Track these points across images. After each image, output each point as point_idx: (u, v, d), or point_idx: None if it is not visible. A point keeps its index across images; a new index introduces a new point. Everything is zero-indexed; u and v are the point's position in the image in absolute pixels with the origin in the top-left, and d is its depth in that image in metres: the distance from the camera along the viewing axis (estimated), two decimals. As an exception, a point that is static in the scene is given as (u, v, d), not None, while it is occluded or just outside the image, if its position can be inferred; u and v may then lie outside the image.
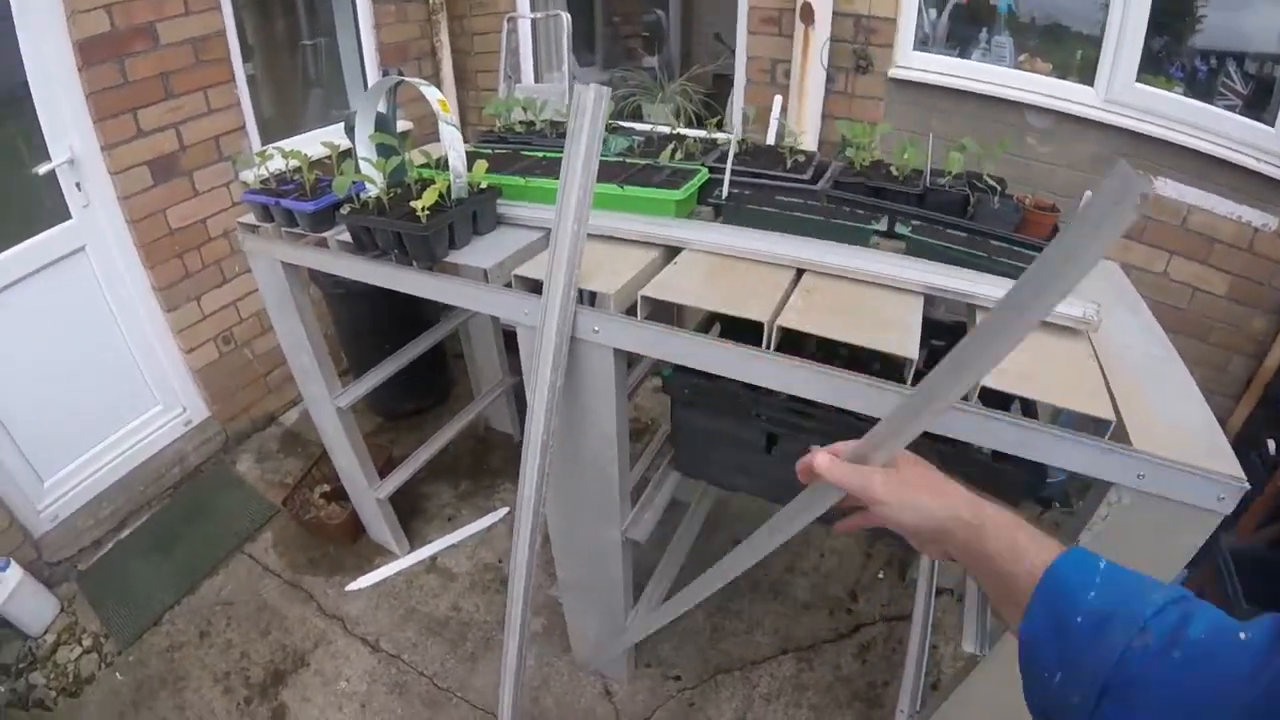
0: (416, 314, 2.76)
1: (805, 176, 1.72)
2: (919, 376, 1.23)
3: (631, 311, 1.40)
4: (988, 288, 1.41)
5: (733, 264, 1.47)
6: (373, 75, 3.26)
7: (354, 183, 1.63)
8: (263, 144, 2.91)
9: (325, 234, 1.74)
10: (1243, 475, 1.13)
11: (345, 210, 1.63)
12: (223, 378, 3.06)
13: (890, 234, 1.58)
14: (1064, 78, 2.75)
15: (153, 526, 2.79)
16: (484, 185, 1.66)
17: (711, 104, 3.18)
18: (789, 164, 1.79)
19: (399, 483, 2.48)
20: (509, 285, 1.51)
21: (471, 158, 1.90)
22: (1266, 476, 2.44)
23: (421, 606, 2.49)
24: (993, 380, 1.19)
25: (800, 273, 1.44)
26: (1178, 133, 2.61)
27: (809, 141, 2.81)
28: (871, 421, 1.36)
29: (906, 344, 1.25)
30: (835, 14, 2.66)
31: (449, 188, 1.59)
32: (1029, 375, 1.24)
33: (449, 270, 1.60)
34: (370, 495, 2.46)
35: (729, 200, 1.61)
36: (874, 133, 1.77)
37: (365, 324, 2.94)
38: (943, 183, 1.69)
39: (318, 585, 2.57)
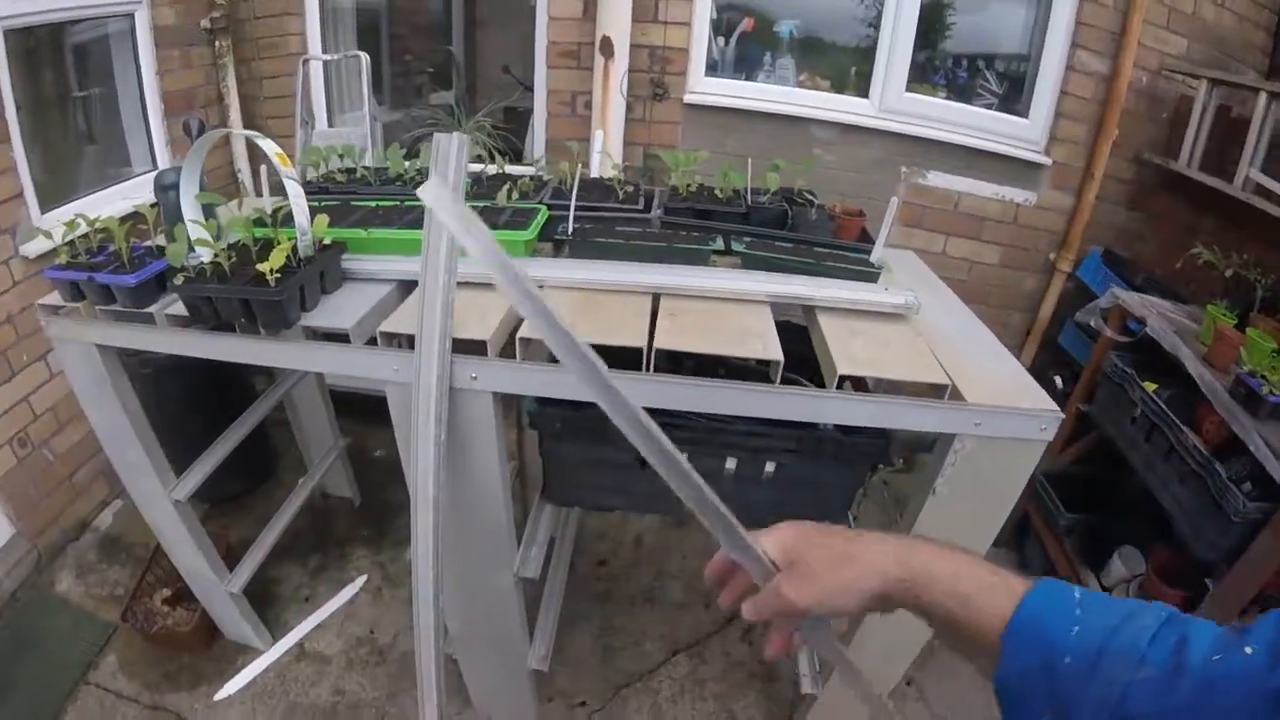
0: (237, 387, 2.66)
1: (638, 205, 1.91)
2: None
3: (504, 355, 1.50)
4: (822, 290, 1.66)
5: (593, 296, 1.61)
6: (158, 126, 3.08)
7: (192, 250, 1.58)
8: (43, 212, 2.68)
9: (150, 309, 1.64)
10: (1056, 408, 1.47)
11: (179, 280, 1.54)
12: (23, 486, 2.73)
13: (726, 251, 1.79)
14: (842, 92, 3.18)
15: None
16: (326, 241, 1.68)
17: (509, 138, 3.33)
18: (620, 195, 1.96)
19: (251, 571, 2.37)
20: (373, 342, 1.56)
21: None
22: (1060, 407, 2.96)
23: (302, 699, 2.39)
24: (849, 368, 1.44)
25: (657, 297, 1.62)
26: (945, 131, 3.11)
27: (610, 171, 3.02)
28: (732, 422, 1.57)
29: (770, 349, 1.46)
30: (632, 46, 2.89)
31: (294, 247, 1.58)
32: (876, 359, 1.51)
33: (300, 335, 1.59)
34: (222, 591, 2.33)
35: (574, 235, 1.75)
36: (695, 160, 1.99)
37: (180, 405, 2.76)
38: (763, 200, 1.95)
39: (183, 702, 2.38)
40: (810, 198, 1.96)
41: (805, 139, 3.12)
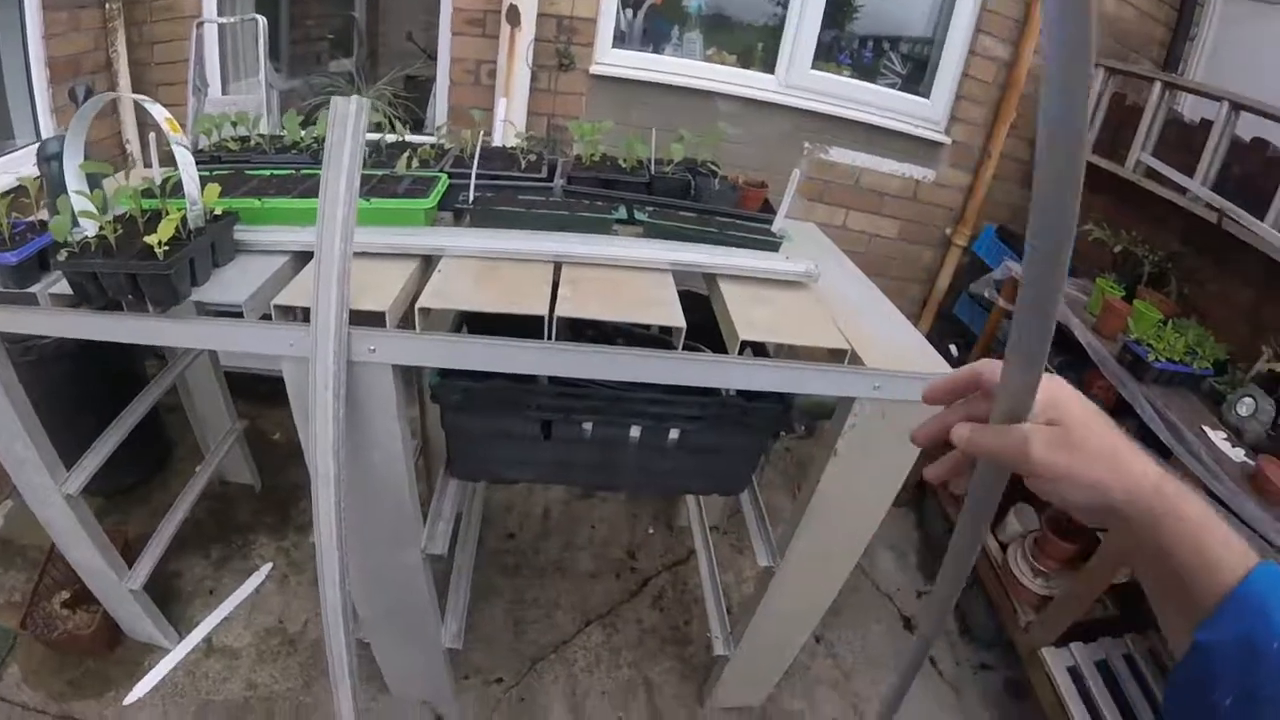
0: (128, 372, 2.55)
1: (541, 174, 1.91)
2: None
3: (404, 325, 1.48)
4: (724, 258, 1.70)
5: (495, 265, 1.60)
6: (42, 94, 2.89)
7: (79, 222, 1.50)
8: None
9: (33, 288, 1.54)
10: (952, 370, 1.53)
11: (62, 256, 1.45)
12: None
13: (629, 220, 1.81)
14: (748, 67, 3.23)
15: None
16: (218, 211, 1.62)
17: (411, 107, 3.27)
18: (523, 164, 1.96)
19: (151, 565, 2.27)
20: (267, 317, 1.52)
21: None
22: (956, 372, 3.12)
23: (214, 695, 2.32)
24: (750, 333, 1.48)
25: (559, 266, 1.63)
26: (848, 109, 3.20)
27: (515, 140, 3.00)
28: (635, 390, 1.60)
29: (671, 315, 1.49)
30: (540, 15, 2.87)
31: (184, 218, 1.52)
32: (776, 325, 1.57)
33: (192, 312, 1.54)
34: (122, 589, 2.22)
35: (475, 204, 1.74)
36: (600, 130, 2.01)
37: (67, 392, 2.62)
38: (667, 170, 1.97)
39: (90, 710, 2.27)
40: (714, 169, 1.99)
41: (710, 112, 3.16)
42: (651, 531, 2.97)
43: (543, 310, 1.42)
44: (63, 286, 1.53)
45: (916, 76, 3.38)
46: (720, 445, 1.81)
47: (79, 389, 2.56)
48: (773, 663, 2.25)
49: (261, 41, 2.92)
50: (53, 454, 2.00)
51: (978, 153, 3.31)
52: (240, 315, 1.50)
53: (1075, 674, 2.30)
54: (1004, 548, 2.66)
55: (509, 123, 2.02)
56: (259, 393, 3.07)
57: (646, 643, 2.51)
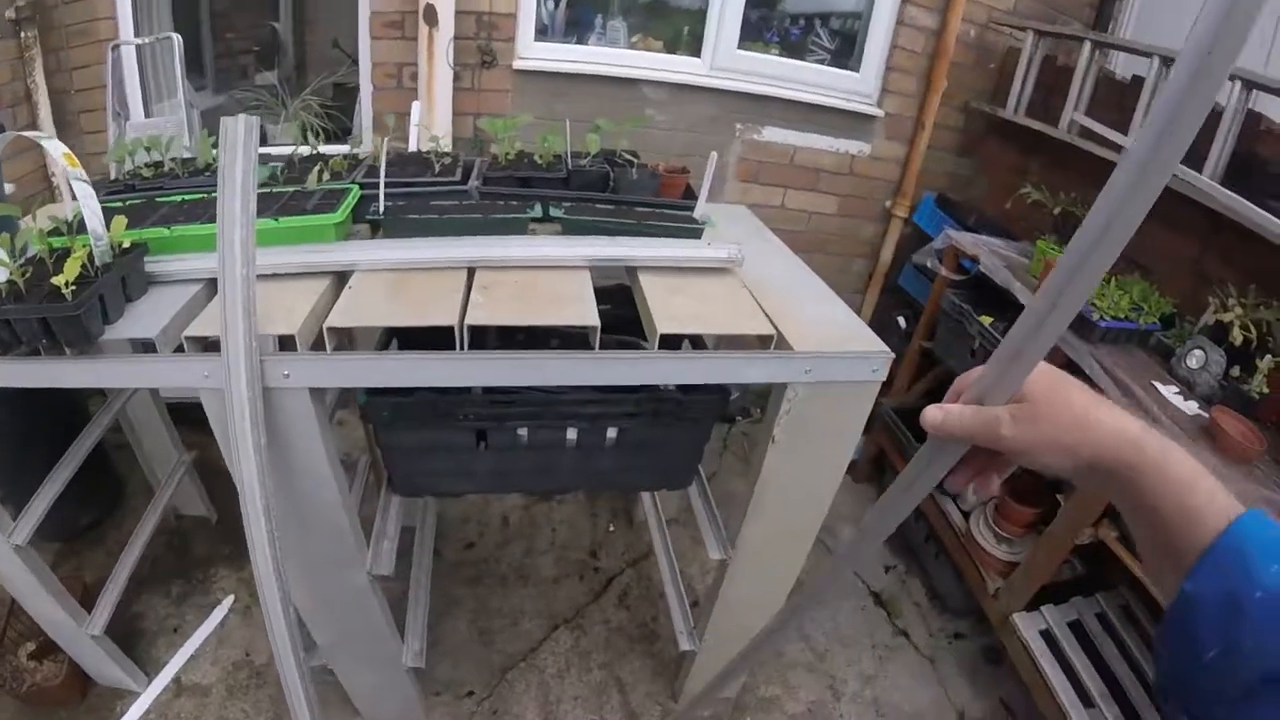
0: (70, 410, 2.50)
1: (455, 178, 1.88)
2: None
3: (317, 347, 1.46)
4: (642, 249, 1.69)
5: (406, 277, 1.58)
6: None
7: None
8: None
9: None
10: (886, 348, 1.56)
11: None
12: None
13: (546, 219, 1.80)
14: (674, 52, 3.21)
15: None
16: (126, 244, 1.59)
17: (338, 116, 3.23)
18: (437, 168, 1.93)
19: (109, 610, 2.23)
20: (180, 350, 1.49)
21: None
22: (904, 346, 3.14)
23: (189, 735, 2.30)
24: (670, 325, 1.46)
25: (472, 272, 1.61)
26: (778, 88, 3.20)
27: (444, 143, 2.94)
28: (565, 391, 1.59)
29: (586, 315, 1.47)
30: (458, 13, 2.83)
31: (91, 254, 1.49)
32: (698, 315, 1.55)
33: (106, 351, 1.52)
34: (84, 636, 2.19)
35: (386, 214, 1.71)
36: (515, 125, 1.98)
37: (11, 438, 2.58)
38: (584, 163, 1.95)
39: None
40: (630, 158, 1.98)
41: (638, 100, 3.15)
42: (612, 529, 2.97)
43: (451, 320, 1.40)
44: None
45: (846, 51, 3.38)
46: (661, 440, 1.80)
47: (23, 433, 2.50)
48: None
49: (178, 61, 2.85)
50: None
51: (911, 124, 3.33)
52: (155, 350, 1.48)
53: (1049, 637, 2.31)
54: (966, 516, 2.68)
55: (423, 126, 1.99)
56: (204, 421, 3.01)
57: (615, 642, 2.50)
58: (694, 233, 1.80)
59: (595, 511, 3.03)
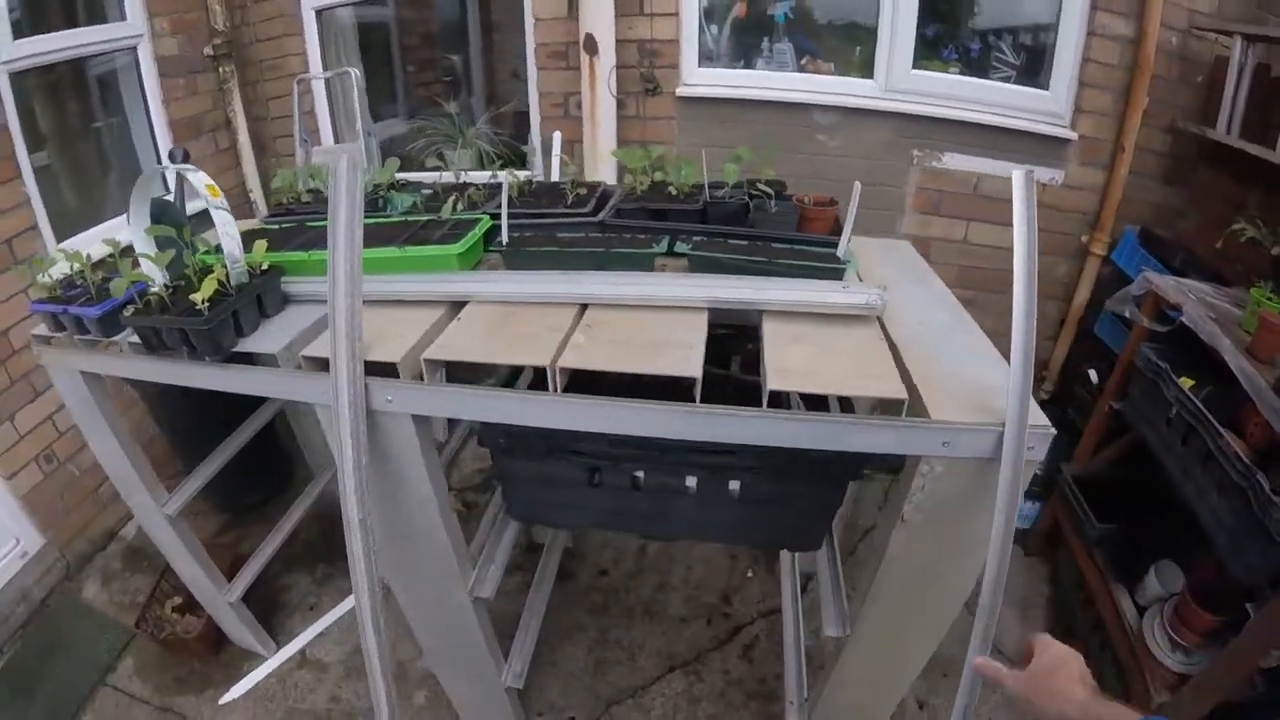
0: (239, 400, 2.66)
1: (586, 209, 1.78)
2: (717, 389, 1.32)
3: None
4: (766, 291, 1.50)
5: (515, 311, 1.50)
6: (167, 154, 3.16)
7: (134, 282, 1.58)
8: (59, 240, 2.78)
9: (116, 338, 1.67)
10: (1047, 422, 1.27)
11: (129, 312, 1.58)
12: (51, 500, 2.86)
13: (672, 253, 1.65)
14: (845, 74, 2.96)
15: (10, 674, 2.57)
16: (265, 265, 1.64)
17: (515, 144, 3.25)
18: (570, 199, 1.84)
19: (248, 581, 2.40)
20: (300, 367, 1.50)
21: (258, 235, 1.88)
22: (1093, 403, 2.69)
23: (300, 704, 2.41)
24: (778, 381, 1.28)
25: (584, 308, 1.50)
26: (959, 109, 2.87)
27: (606, 170, 2.91)
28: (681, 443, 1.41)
29: (687, 363, 1.31)
30: (619, 42, 2.77)
31: (228, 275, 1.56)
32: (813, 372, 1.34)
33: (241, 360, 1.57)
34: (222, 601, 2.36)
35: (509, 246, 1.64)
36: (649, 156, 1.86)
37: (191, 419, 2.80)
38: (721, 194, 1.79)
39: (189, 705, 2.44)
40: (767, 190, 1.79)
41: (807, 125, 2.93)
42: (750, 575, 2.76)
43: (543, 361, 1.30)
44: (141, 335, 1.61)
45: (1032, 67, 2.96)
46: (788, 495, 1.61)
47: (203, 416, 2.70)
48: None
49: (355, 92, 2.98)
50: (153, 478, 2.13)
51: (1110, 147, 2.86)
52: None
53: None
54: (1141, 612, 2.25)
55: (563, 158, 1.92)
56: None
57: (730, 695, 2.32)
58: (833, 273, 1.58)
59: (736, 554, 2.84)
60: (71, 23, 2.84)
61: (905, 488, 1.40)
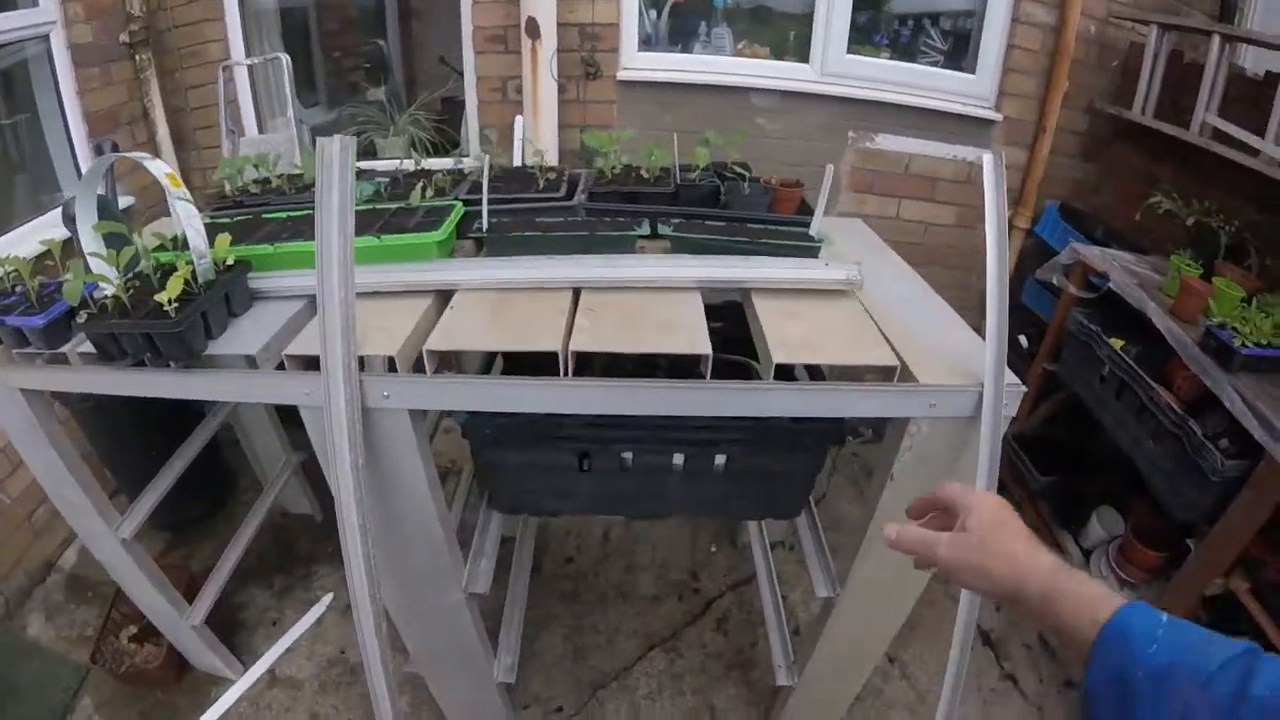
0: (182, 410, 2.52)
1: (560, 194, 1.76)
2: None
3: (418, 368, 1.37)
4: (757, 271, 1.53)
5: (509, 297, 1.47)
6: (83, 150, 2.91)
7: (88, 284, 1.46)
8: None
9: (64, 348, 1.51)
10: (1018, 381, 1.36)
11: (82, 318, 1.43)
12: None
13: (654, 235, 1.65)
14: (782, 58, 3.02)
15: None
16: (230, 261, 1.54)
17: (446, 130, 3.17)
18: (541, 183, 1.81)
19: (210, 602, 2.25)
20: (281, 367, 1.43)
21: (210, 230, 1.77)
22: (1026, 368, 2.84)
23: (276, 726, 2.29)
24: (782, 355, 1.30)
25: (578, 292, 1.48)
26: (891, 93, 2.97)
27: (550, 155, 2.87)
28: (670, 416, 1.43)
29: (697, 342, 1.32)
30: (560, 25, 2.74)
31: (194, 272, 1.45)
32: (811, 344, 1.38)
33: (210, 364, 1.47)
34: (184, 626, 2.21)
35: (490, 231, 1.60)
36: (619, 139, 1.85)
37: (127, 434, 2.61)
38: (692, 177, 1.80)
39: None
40: (740, 172, 1.81)
41: (746, 109, 2.97)
42: (714, 550, 2.80)
43: (555, 346, 1.28)
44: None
45: (960, 52, 3.10)
46: (771, 468, 1.64)
47: (140, 431, 2.55)
48: (841, 690, 2.07)
49: (287, 80, 2.85)
50: (105, 501, 1.97)
51: (1032, 128, 3.02)
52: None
53: (1169, 688, 2.03)
54: (1087, 555, 2.40)
55: (528, 140, 1.87)
56: (314, 422, 3.03)
57: (710, 668, 2.35)
58: (810, 251, 1.63)
59: (698, 531, 2.87)
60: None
61: (892, 449, 1.47)
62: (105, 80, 2.94)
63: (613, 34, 2.87)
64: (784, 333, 1.37)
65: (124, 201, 3.01)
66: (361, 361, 1.35)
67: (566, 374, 1.28)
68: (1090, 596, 0.66)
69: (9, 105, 2.92)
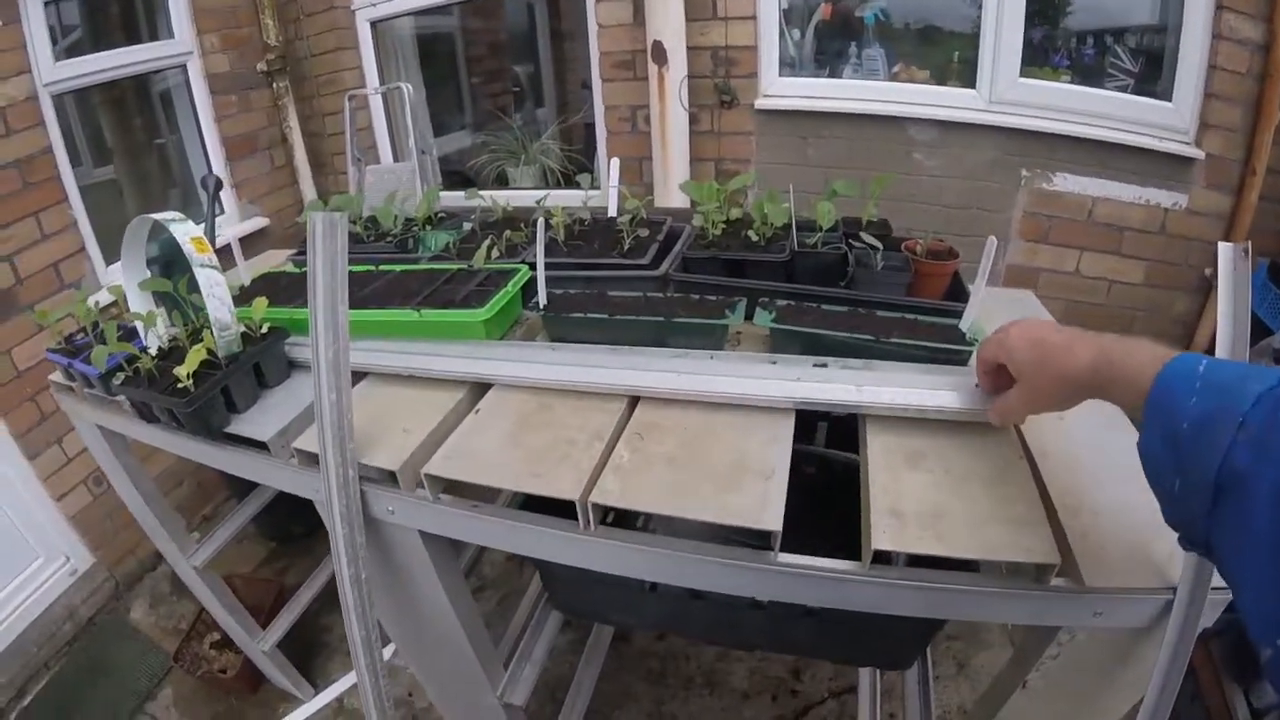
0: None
1: (644, 260, 1.36)
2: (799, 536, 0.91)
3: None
4: (873, 390, 1.04)
5: (550, 402, 1.11)
6: (222, 172, 2.88)
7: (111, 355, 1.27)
8: (108, 263, 2.56)
9: (117, 397, 1.37)
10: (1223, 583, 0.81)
11: (118, 380, 1.28)
12: (100, 521, 2.67)
13: (750, 323, 1.24)
14: (943, 83, 2.46)
15: (53, 691, 2.40)
16: (265, 329, 1.30)
17: (580, 159, 2.86)
18: (627, 244, 1.43)
19: (283, 630, 2.13)
20: (294, 459, 1.16)
21: (276, 279, 1.55)
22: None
23: (334, 753, 2.12)
24: (887, 540, 0.85)
25: (635, 401, 1.10)
26: (1071, 123, 2.35)
27: (678, 194, 2.46)
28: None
29: (764, 513, 0.88)
30: (690, 49, 2.35)
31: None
32: (938, 518, 0.89)
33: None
34: (256, 648, 2.10)
35: (547, 309, 1.24)
36: (724, 191, 1.45)
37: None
38: (813, 241, 1.37)
39: None
40: (871, 243, 1.33)
41: (902, 141, 2.45)
42: (824, 649, 2.35)
43: (573, 492, 0.91)
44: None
45: (1152, 74, 2.40)
46: (872, 623, 1.19)
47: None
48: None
49: (407, 108, 2.63)
50: (180, 530, 1.93)
51: (1238, 168, 2.30)
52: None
53: None
54: (1257, 718, 1.77)
55: (622, 190, 1.48)
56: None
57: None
58: (957, 356, 1.12)
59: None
60: (134, 41, 2.64)
61: (1031, 655, 1.02)
62: (243, 106, 2.91)
63: (750, 57, 2.44)
64: (898, 491, 0.92)
65: (257, 223, 2.97)
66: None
67: (587, 526, 0.92)
68: (1135, 370, 0.65)
69: (166, 126, 2.97)
